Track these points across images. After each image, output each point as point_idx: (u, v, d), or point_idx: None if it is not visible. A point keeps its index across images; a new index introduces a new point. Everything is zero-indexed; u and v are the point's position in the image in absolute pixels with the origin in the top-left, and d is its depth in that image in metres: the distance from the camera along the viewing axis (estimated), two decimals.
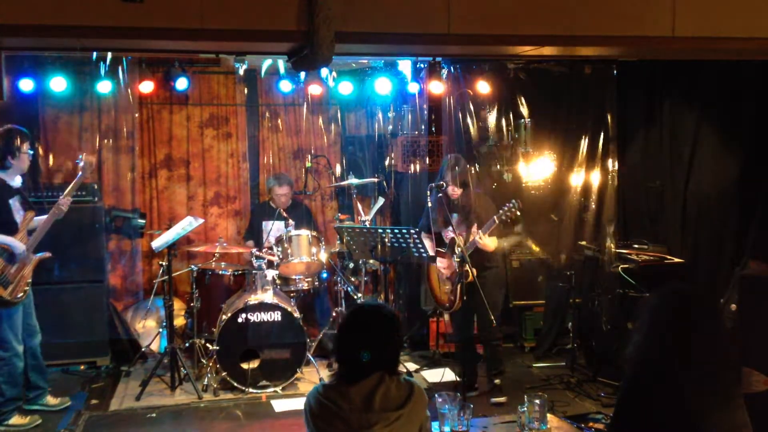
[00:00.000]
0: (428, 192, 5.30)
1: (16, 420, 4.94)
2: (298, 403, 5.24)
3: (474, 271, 5.15)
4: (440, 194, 5.31)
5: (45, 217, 5.00)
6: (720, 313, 2.41)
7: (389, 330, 2.61)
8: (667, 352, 2.22)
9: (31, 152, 5.05)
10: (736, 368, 2.28)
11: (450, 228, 5.31)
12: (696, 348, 2.20)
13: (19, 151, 4.88)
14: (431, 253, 5.46)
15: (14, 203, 4.91)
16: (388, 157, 7.08)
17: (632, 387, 2.33)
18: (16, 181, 4.99)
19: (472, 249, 5.22)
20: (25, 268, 4.86)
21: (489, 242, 5.23)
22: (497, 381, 5.48)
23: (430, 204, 5.32)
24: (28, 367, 5.08)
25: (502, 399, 5.39)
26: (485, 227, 5.18)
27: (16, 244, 4.80)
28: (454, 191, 5.33)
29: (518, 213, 5.12)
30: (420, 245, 5.44)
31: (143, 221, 6.71)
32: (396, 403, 2.49)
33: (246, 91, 7.02)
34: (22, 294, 4.85)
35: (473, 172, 6.43)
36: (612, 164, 6.33)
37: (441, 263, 5.47)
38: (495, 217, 5.12)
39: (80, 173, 5.11)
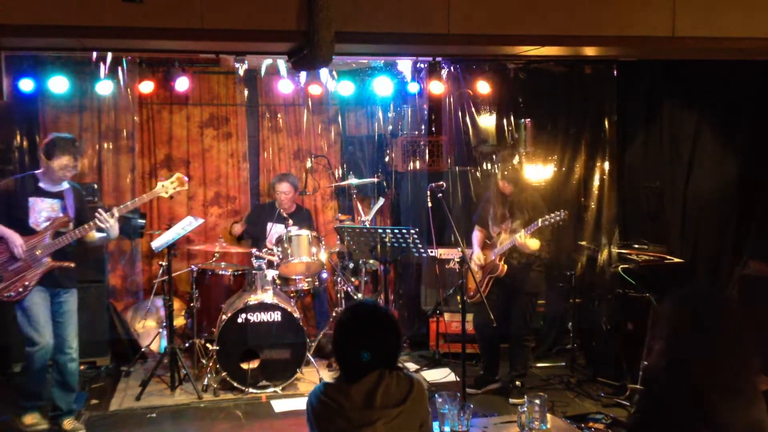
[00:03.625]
0: (428, 192, 5.31)
1: (27, 419, 4.81)
2: (298, 404, 5.26)
3: (505, 267, 5.19)
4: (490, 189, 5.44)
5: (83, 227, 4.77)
6: (739, 312, 2.34)
7: (387, 328, 2.62)
8: (691, 356, 2.18)
9: (67, 167, 4.72)
10: (755, 364, 2.24)
11: (502, 225, 5.37)
12: (720, 350, 2.16)
13: (51, 156, 4.68)
14: (478, 246, 5.51)
15: (37, 203, 4.72)
16: (388, 157, 7.08)
17: (656, 397, 2.28)
18: (57, 186, 4.79)
19: (510, 246, 5.24)
20: (29, 270, 4.65)
21: (530, 243, 5.20)
22: (518, 383, 5.44)
23: (430, 204, 5.33)
24: (54, 378, 4.90)
25: (521, 400, 5.39)
26: (529, 228, 5.19)
27: (14, 238, 4.61)
28: (505, 186, 5.37)
29: (560, 223, 5.14)
30: (420, 245, 5.45)
31: (143, 221, 6.70)
32: (397, 399, 2.50)
33: (246, 91, 7.02)
34: (13, 294, 4.62)
35: (472, 171, 6.45)
36: (612, 164, 6.33)
37: (481, 254, 5.50)
38: (540, 219, 5.12)
39: (156, 188, 5.04)
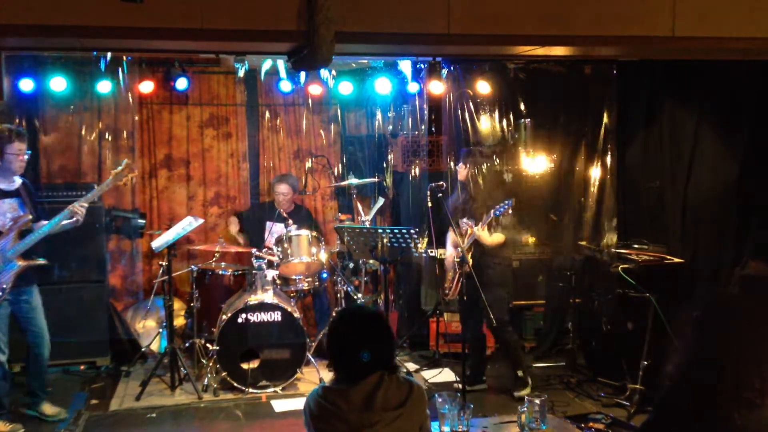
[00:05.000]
0: (428, 192, 5.32)
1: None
2: (298, 403, 5.24)
3: (470, 261, 5.23)
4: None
5: (44, 222, 4.86)
6: (759, 314, 2.27)
7: (379, 328, 2.63)
8: (709, 359, 2.14)
9: (21, 151, 4.78)
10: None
11: (464, 219, 5.38)
12: (738, 354, 2.12)
13: (3, 151, 4.69)
14: (450, 244, 5.54)
15: (1, 206, 4.74)
16: (388, 157, 7.08)
17: (672, 398, 2.25)
18: (12, 184, 4.84)
19: (472, 241, 5.29)
20: (2, 274, 4.64)
21: (485, 235, 5.27)
22: (519, 373, 5.47)
23: (430, 204, 5.35)
24: (28, 370, 5.04)
25: (526, 391, 5.39)
26: (484, 219, 5.24)
27: None
28: (460, 172, 5.49)
29: (509, 212, 5.19)
30: (420, 245, 5.46)
31: (143, 221, 6.71)
32: (396, 403, 2.50)
33: (246, 91, 7.03)
34: None
35: (473, 171, 6.45)
36: (612, 164, 6.33)
37: (452, 253, 5.52)
38: (492, 211, 5.18)
39: (110, 178, 5.04)
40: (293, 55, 4.09)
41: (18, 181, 4.88)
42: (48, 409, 5.11)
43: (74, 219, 4.89)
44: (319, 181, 7.07)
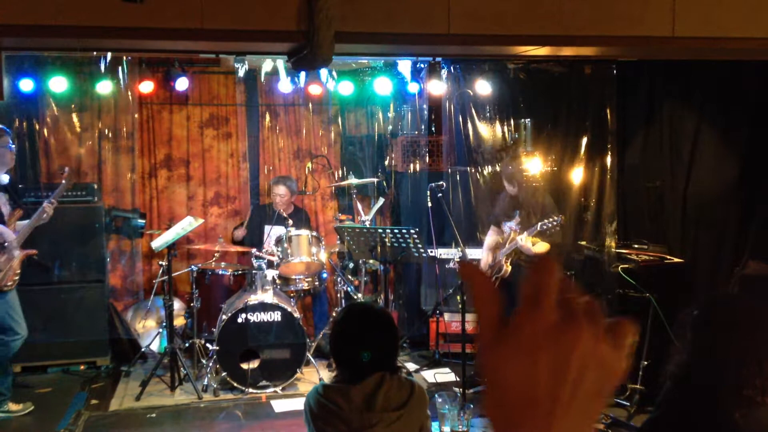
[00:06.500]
0: (428, 192, 5.32)
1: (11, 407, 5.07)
2: (298, 404, 5.25)
3: (509, 268, 5.23)
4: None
5: (27, 222, 5.05)
6: (760, 315, 2.25)
7: (384, 328, 2.62)
8: (718, 366, 2.13)
9: (11, 147, 5.05)
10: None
11: (507, 223, 5.39)
12: (738, 353, 2.12)
13: None
14: (487, 249, 5.56)
15: None
16: (388, 157, 7.08)
17: (673, 399, 2.24)
18: (3, 179, 5.03)
19: (514, 247, 5.29)
20: (14, 260, 4.93)
21: (528, 245, 5.27)
22: None
23: (430, 204, 5.35)
24: None
25: None
26: (530, 230, 5.24)
27: (7, 232, 4.90)
28: (509, 187, 5.54)
29: (557, 229, 5.20)
30: (420, 245, 5.45)
31: (143, 221, 6.71)
32: (396, 403, 2.49)
33: (246, 91, 7.03)
34: (11, 283, 4.94)
35: (472, 172, 6.46)
36: (612, 164, 6.33)
37: (489, 254, 5.53)
38: (539, 224, 5.18)
39: (63, 182, 5.23)
40: (293, 55, 4.09)
41: (6, 178, 5.06)
42: (14, 406, 5.17)
43: (44, 216, 5.08)
44: (319, 181, 7.06)
